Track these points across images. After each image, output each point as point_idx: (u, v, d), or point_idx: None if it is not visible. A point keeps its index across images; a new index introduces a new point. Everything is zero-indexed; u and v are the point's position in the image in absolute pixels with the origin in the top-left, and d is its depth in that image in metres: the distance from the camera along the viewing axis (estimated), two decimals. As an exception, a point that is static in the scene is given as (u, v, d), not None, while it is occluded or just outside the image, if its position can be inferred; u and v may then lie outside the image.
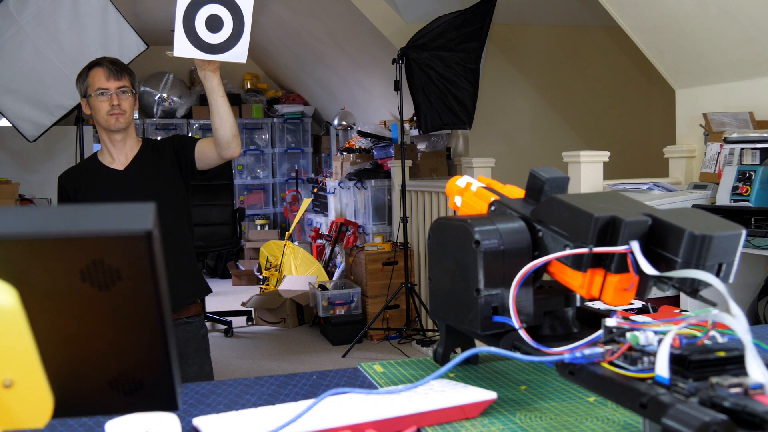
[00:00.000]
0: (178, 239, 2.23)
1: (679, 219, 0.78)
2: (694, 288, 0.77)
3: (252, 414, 0.86)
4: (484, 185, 1.02)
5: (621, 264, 0.79)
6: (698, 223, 0.76)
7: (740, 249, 0.78)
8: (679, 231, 0.76)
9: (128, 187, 2.23)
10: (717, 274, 0.77)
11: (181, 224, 2.28)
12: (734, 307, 0.68)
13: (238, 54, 1.86)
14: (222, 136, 2.16)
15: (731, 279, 0.78)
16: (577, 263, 0.81)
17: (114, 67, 2.22)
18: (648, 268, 0.77)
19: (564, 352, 0.77)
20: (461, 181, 1.05)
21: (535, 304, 0.90)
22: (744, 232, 0.78)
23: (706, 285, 0.76)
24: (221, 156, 2.23)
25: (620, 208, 0.81)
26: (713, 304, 0.75)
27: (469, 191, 1.03)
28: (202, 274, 2.44)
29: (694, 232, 0.75)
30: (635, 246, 0.78)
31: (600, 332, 0.78)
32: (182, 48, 1.80)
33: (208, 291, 2.41)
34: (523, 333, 0.84)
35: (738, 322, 0.66)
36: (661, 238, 0.78)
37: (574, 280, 0.82)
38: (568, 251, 0.82)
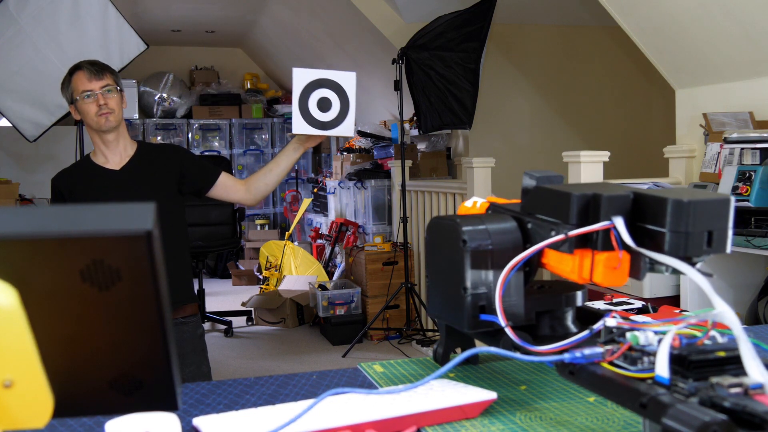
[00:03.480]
0: (170, 243, 2.22)
1: (663, 192, 0.78)
2: (693, 263, 0.77)
3: (252, 414, 0.86)
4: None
5: (606, 241, 0.79)
6: (682, 194, 0.76)
7: (731, 217, 0.77)
8: (663, 201, 0.76)
9: (124, 188, 2.22)
10: (708, 243, 0.76)
11: (176, 228, 2.28)
12: (718, 300, 0.68)
13: (347, 129, 2.13)
14: (261, 191, 2.36)
15: (728, 249, 0.77)
16: (563, 245, 0.81)
17: (94, 67, 2.20)
18: (629, 241, 0.77)
19: (552, 351, 0.77)
20: (468, 202, 1.06)
21: (527, 303, 0.91)
22: (732, 199, 0.78)
23: (699, 256, 0.76)
24: (240, 199, 2.39)
25: (603, 188, 0.81)
26: (709, 275, 0.75)
27: (475, 208, 1.04)
28: (192, 282, 2.43)
29: (677, 199, 0.75)
30: (618, 221, 0.78)
31: (586, 332, 0.79)
32: (300, 126, 2.09)
33: (195, 300, 2.40)
34: (509, 331, 0.84)
35: (727, 316, 0.66)
36: (646, 213, 0.78)
37: (565, 265, 0.82)
38: (546, 242, 0.82)
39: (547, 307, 0.94)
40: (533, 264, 0.91)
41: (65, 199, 2.26)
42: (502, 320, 0.85)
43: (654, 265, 0.78)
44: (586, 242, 0.80)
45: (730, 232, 0.77)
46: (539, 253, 0.87)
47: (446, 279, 0.94)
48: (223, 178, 2.35)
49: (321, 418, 0.80)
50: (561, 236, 0.80)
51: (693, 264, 0.77)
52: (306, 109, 2.09)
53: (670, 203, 0.75)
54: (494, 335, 0.93)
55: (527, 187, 0.95)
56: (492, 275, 0.89)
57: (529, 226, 0.88)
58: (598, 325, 0.80)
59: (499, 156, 4.52)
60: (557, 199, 0.82)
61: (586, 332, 0.79)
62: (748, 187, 2.64)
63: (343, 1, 5.32)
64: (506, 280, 0.87)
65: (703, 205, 0.75)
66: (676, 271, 0.77)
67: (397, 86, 4.68)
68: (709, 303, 0.70)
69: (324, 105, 2.09)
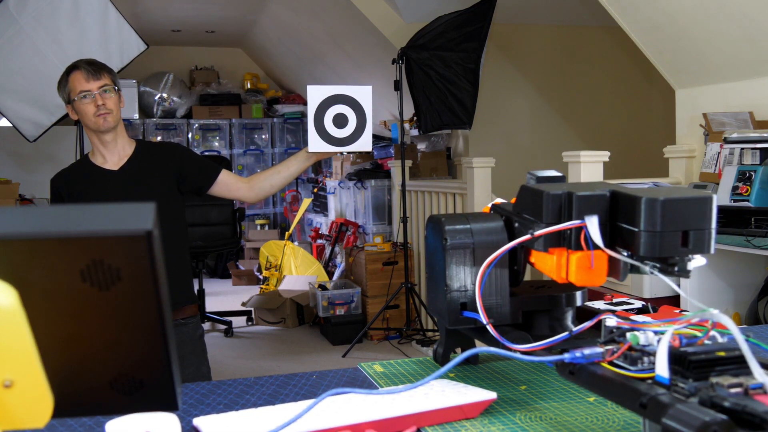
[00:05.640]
0: (170, 243, 2.21)
1: (641, 191, 0.76)
2: (670, 263, 0.76)
3: (252, 414, 0.86)
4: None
5: (579, 241, 0.79)
6: (658, 193, 0.74)
7: (714, 216, 0.75)
8: (636, 199, 0.74)
9: (122, 188, 2.21)
10: (684, 243, 0.74)
11: (175, 229, 2.27)
12: (673, 286, 0.67)
13: (364, 144, 2.11)
14: (266, 190, 2.36)
15: (711, 249, 0.75)
16: (535, 243, 0.81)
17: (92, 67, 2.19)
18: (599, 241, 0.76)
19: (534, 349, 0.77)
20: (491, 204, 1.07)
21: (514, 302, 0.91)
22: (714, 198, 0.75)
23: (675, 257, 0.74)
24: (241, 197, 2.40)
25: (580, 187, 0.80)
26: (685, 276, 0.74)
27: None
28: (192, 283, 2.43)
29: (651, 197, 0.73)
30: (591, 220, 0.77)
31: (565, 333, 0.79)
32: (316, 144, 2.06)
33: (195, 301, 2.40)
34: (491, 329, 0.84)
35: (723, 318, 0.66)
36: (621, 212, 0.77)
37: (545, 264, 0.82)
38: (515, 241, 0.83)
39: (534, 307, 0.94)
40: (520, 263, 0.91)
41: (64, 199, 2.24)
42: (483, 317, 0.86)
43: (641, 268, 0.77)
44: (562, 241, 0.80)
45: (713, 232, 0.75)
46: (527, 253, 0.87)
47: (437, 276, 0.95)
48: (224, 175, 2.34)
49: (321, 418, 0.80)
50: (527, 236, 0.80)
51: (670, 265, 0.76)
52: (322, 126, 2.05)
53: (643, 202, 0.73)
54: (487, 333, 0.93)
55: None
56: (474, 273, 0.90)
57: (516, 225, 0.89)
58: (577, 329, 0.81)
59: (499, 156, 4.52)
60: (534, 198, 0.83)
61: (564, 334, 0.79)
62: (748, 187, 2.63)
63: (343, 1, 5.32)
64: (484, 278, 0.87)
65: (677, 204, 0.73)
66: (662, 272, 0.76)
67: (397, 86, 4.68)
68: (711, 303, 0.70)
69: (340, 121, 2.06)
